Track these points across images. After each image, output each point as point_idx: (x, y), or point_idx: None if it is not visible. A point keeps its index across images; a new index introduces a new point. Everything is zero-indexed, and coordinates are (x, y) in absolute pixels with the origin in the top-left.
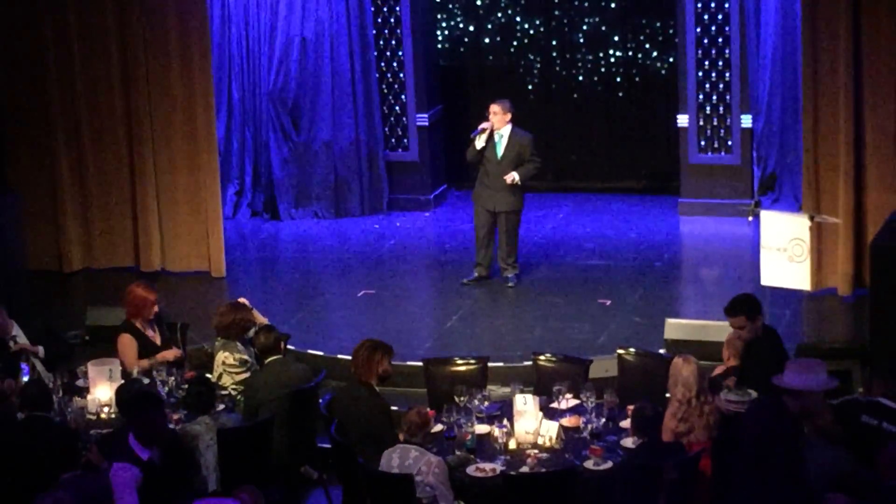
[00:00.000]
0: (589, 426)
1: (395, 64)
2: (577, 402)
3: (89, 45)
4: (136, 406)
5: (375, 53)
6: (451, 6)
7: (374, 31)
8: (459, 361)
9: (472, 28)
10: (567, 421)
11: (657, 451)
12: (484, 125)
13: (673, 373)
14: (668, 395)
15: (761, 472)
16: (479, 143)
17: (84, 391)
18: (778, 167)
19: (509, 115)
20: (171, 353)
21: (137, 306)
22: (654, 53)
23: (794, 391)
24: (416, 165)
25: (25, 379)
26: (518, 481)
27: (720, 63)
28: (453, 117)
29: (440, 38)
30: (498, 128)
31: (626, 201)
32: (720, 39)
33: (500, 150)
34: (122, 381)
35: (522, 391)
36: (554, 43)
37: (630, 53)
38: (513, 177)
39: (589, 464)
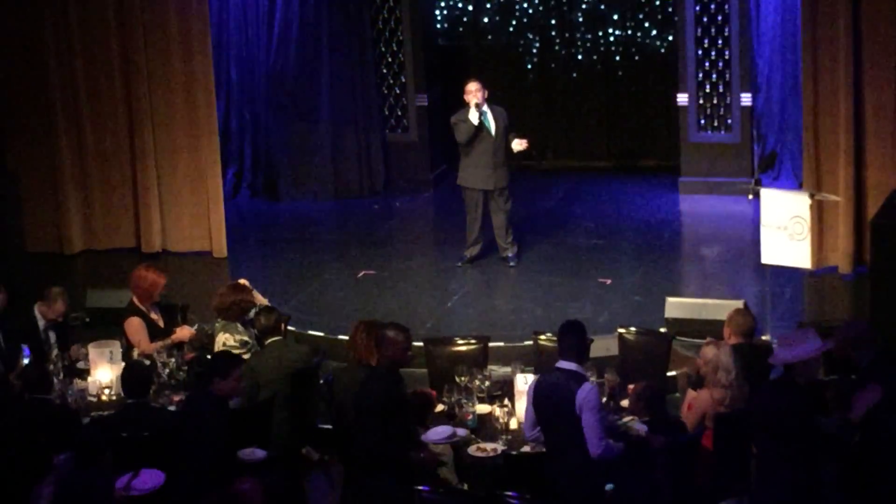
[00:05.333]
0: None
1: (394, 44)
2: None
3: (89, 27)
4: (570, 330)
5: (374, 33)
6: None
7: (373, 12)
8: (460, 341)
9: (470, 7)
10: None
11: (664, 428)
12: (477, 101)
13: (711, 360)
14: (670, 373)
15: (776, 449)
16: (475, 119)
17: (85, 373)
18: (778, 145)
19: (486, 92)
20: (186, 333)
21: (147, 290)
22: (654, 32)
23: (792, 366)
24: (415, 146)
25: (26, 361)
26: (519, 461)
27: (720, 41)
28: (453, 98)
29: (439, 17)
30: (481, 104)
31: (626, 180)
32: (720, 18)
33: (492, 126)
34: (124, 363)
35: (523, 371)
36: (553, 22)
37: (629, 32)
38: (524, 142)
39: None
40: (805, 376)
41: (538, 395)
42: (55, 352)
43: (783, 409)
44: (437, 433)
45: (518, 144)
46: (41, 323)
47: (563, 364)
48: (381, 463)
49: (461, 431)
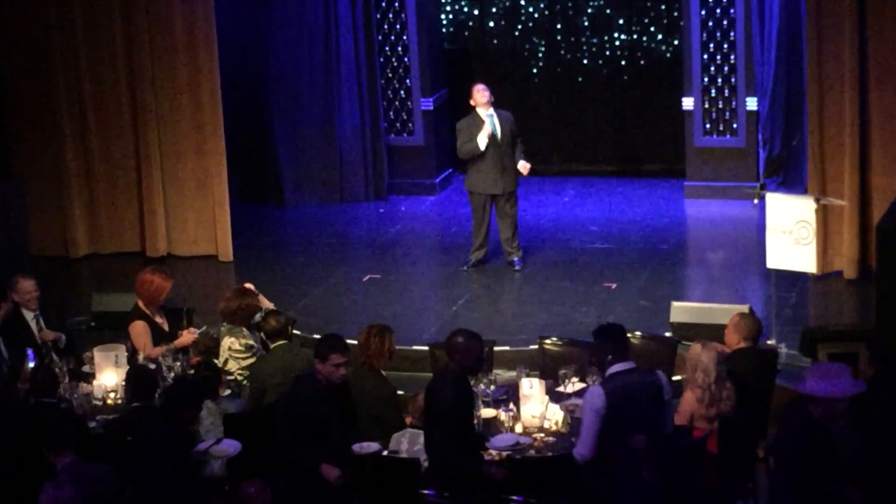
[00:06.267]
0: None
1: (399, 48)
2: (583, 385)
3: (94, 29)
4: (618, 332)
5: (380, 37)
6: None
7: (379, 15)
8: None
9: (476, 12)
10: (573, 404)
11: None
12: (487, 105)
13: (692, 359)
14: (675, 377)
15: (785, 477)
16: (490, 128)
17: (90, 377)
18: (783, 149)
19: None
20: (189, 337)
21: (153, 294)
22: (659, 36)
23: (816, 398)
24: (420, 150)
25: (31, 365)
26: (525, 465)
27: (725, 45)
28: (458, 101)
29: (444, 21)
30: (489, 109)
31: (631, 185)
32: (725, 22)
33: (499, 131)
34: (129, 367)
35: (528, 375)
36: (559, 26)
37: (635, 36)
38: (527, 166)
39: None
40: (826, 411)
41: (616, 407)
42: (54, 355)
43: (797, 443)
44: (502, 440)
45: (522, 168)
46: (30, 318)
47: (622, 366)
48: (454, 472)
49: (524, 440)
